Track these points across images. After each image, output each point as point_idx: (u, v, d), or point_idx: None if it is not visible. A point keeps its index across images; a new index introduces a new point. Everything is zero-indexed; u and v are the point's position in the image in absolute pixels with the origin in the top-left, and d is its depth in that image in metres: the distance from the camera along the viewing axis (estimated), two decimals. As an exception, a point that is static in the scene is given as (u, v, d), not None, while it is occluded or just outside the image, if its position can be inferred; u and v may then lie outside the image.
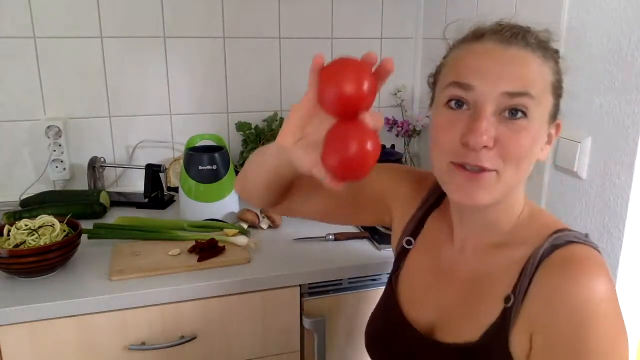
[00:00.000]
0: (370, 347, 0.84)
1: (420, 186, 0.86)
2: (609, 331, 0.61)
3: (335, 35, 1.69)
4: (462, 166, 0.64)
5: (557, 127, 0.70)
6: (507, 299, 0.66)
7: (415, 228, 0.83)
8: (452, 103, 0.65)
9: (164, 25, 1.53)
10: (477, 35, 0.66)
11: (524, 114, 0.62)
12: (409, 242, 0.83)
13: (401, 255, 0.84)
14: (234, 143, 1.65)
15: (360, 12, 1.69)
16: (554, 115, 0.68)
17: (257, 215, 1.32)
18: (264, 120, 1.66)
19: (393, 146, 1.65)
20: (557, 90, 0.67)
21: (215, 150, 1.34)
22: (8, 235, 1.05)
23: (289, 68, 1.67)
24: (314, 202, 0.88)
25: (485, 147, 0.61)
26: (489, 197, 0.64)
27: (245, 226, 1.28)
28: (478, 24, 0.68)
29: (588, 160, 1.04)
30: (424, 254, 0.81)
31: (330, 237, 1.25)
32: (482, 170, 0.63)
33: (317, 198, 0.87)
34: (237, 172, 1.46)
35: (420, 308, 0.77)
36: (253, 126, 1.63)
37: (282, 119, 1.66)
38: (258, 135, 1.61)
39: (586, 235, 0.67)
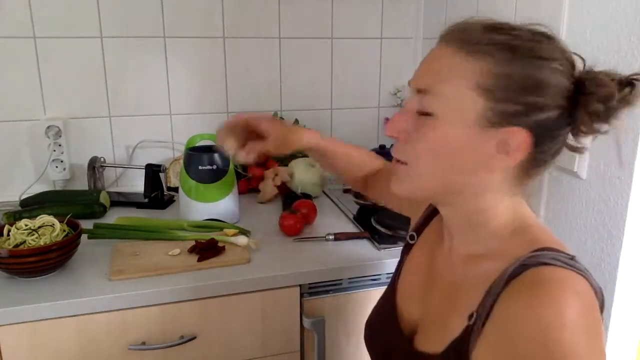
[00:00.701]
0: (366, 338, 0.85)
1: None
2: (574, 356, 0.53)
3: (335, 35, 1.69)
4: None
5: (511, 134, 0.60)
6: (470, 317, 0.62)
7: (421, 224, 0.84)
8: None
9: (164, 25, 1.53)
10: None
11: (429, 112, 0.63)
12: (412, 237, 0.84)
13: (405, 249, 0.85)
14: (234, 143, 1.65)
15: (360, 12, 1.69)
16: (492, 119, 0.60)
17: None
18: (264, 120, 1.66)
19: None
20: (494, 93, 0.60)
21: (215, 150, 1.34)
22: (8, 235, 1.05)
23: (289, 68, 1.67)
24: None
25: (397, 138, 0.67)
26: (400, 188, 0.69)
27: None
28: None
29: (588, 160, 1.04)
30: (423, 252, 0.81)
31: (330, 237, 1.25)
32: (396, 161, 0.68)
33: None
34: (237, 172, 1.47)
35: (411, 305, 0.77)
36: (253, 126, 1.63)
37: (282, 119, 1.66)
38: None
39: (572, 258, 0.60)
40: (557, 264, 0.58)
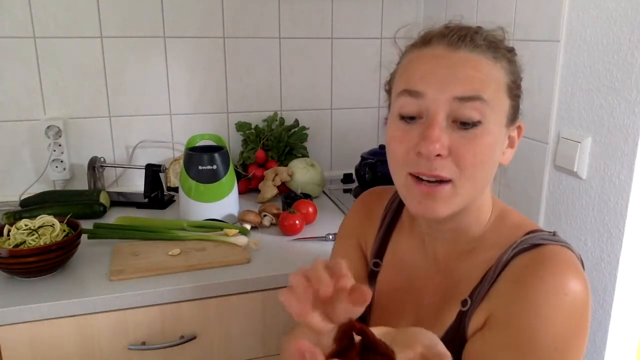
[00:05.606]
0: None
1: (374, 208, 0.84)
2: (568, 327, 0.58)
3: (335, 35, 1.68)
4: (419, 178, 0.62)
5: (519, 129, 0.68)
6: (463, 303, 0.65)
7: (379, 248, 0.81)
8: (406, 119, 0.63)
9: (164, 25, 1.53)
10: (425, 41, 0.65)
11: (478, 120, 0.60)
12: (376, 265, 0.81)
13: (371, 278, 0.82)
14: (234, 143, 1.65)
15: (360, 12, 1.69)
16: (513, 117, 0.65)
17: (259, 214, 1.32)
18: (264, 120, 1.66)
19: (393, 146, 1.65)
20: (514, 91, 0.65)
21: (215, 150, 1.34)
22: (8, 235, 1.05)
23: (289, 68, 1.67)
24: None
25: (439, 155, 0.60)
26: (446, 210, 0.63)
27: (248, 227, 1.28)
28: (427, 29, 0.67)
29: (588, 160, 1.04)
30: (395, 273, 0.78)
31: (330, 237, 1.25)
32: (439, 181, 0.61)
33: None
34: (237, 172, 1.47)
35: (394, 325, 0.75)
36: (253, 126, 1.63)
37: (282, 119, 1.66)
38: (258, 135, 1.61)
39: (554, 234, 0.65)
40: (548, 242, 0.63)
